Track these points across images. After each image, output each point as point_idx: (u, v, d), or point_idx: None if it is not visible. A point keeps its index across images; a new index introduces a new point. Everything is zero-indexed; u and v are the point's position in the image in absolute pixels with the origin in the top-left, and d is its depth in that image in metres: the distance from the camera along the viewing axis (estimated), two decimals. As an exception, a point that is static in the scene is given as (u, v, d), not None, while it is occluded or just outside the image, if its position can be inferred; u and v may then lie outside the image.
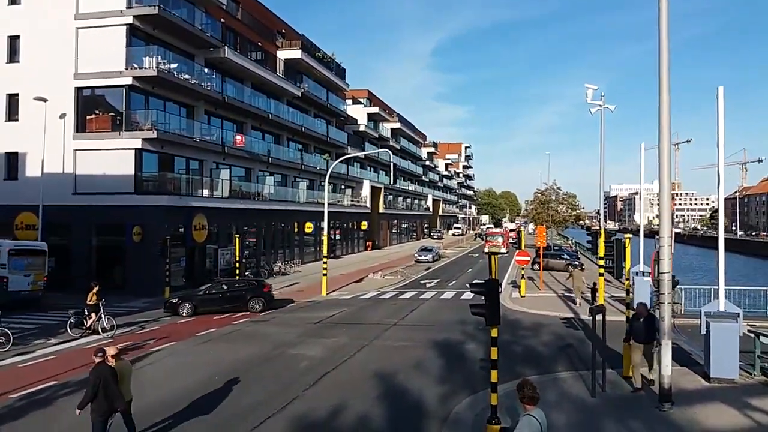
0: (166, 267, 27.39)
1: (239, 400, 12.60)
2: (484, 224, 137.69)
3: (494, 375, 9.64)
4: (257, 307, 24.82)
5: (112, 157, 29.68)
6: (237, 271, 27.83)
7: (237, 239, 28.00)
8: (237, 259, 28.06)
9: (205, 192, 34.00)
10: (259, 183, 41.50)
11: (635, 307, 13.11)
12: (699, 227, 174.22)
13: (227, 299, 24.73)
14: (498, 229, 72.05)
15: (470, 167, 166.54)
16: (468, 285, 27.78)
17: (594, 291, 25.54)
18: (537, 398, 6.76)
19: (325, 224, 32.03)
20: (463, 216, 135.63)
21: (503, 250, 56.04)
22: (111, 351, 9.67)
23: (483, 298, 9.62)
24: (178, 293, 25.76)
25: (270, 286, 26.21)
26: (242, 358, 16.40)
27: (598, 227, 50.12)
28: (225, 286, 25.30)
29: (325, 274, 30.27)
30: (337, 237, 55.31)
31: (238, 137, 37.45)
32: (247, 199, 38.36)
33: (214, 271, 33.62)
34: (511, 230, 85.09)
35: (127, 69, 29.37)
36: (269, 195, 42.08)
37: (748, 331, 14.29)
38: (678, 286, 22.85)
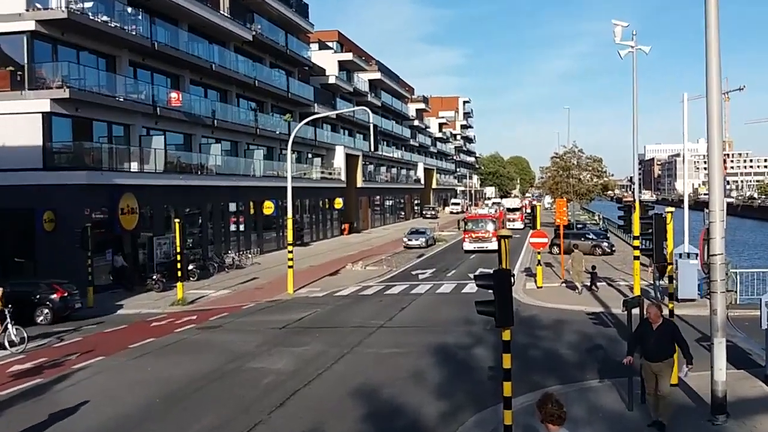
0: (88, 262, 27.15)
1: (187, 429, 12.61)
2: (488, 198, 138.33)
3: (507, 387, 9.74)
4: (42, 319, 23.95)
5: (13, 123, 29.21)
6: (178, 265, 27.72)
7: (177, 225, 27.80)
8: (178, 250, 27.92)
9: (134, 166, 33.70)
10: (203, 152, 41.22)
11: (646, 309, 12.02)
12: (756, 195, 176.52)
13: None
14: (484, 211, 55.92)
15: (470, 127, 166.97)
16: (471, 276, 27.99)
17: (594, 275, 25.93)
18: (563, 418, 6.83)
19: (289, 203, 31.94)
20: (462, 188, 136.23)
21: (491, 244, 42.80)
22: None
23: (491, 292, 9.66)
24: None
25: (66, 292, 24.85)
26: (189, 374, 16.38)
27: (631, 199, 50.65)
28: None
29: (290, 267, 30.28)
30: (306, 219, 55.24)
31: (174, 95, 37.09)
32: (188, 174, 38.11)
33: (149, 264, 33.49)
34: (511, 210, 74.55)
35: (28, 10, 28.87)
36: (216, 167, 41.83)
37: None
38: (732, 270, 23.20)
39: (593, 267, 27.77)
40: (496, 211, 55.48)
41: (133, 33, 33.78)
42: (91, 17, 30.69)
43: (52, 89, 29.15)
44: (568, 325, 20.75)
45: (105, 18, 31.70)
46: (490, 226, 45.91)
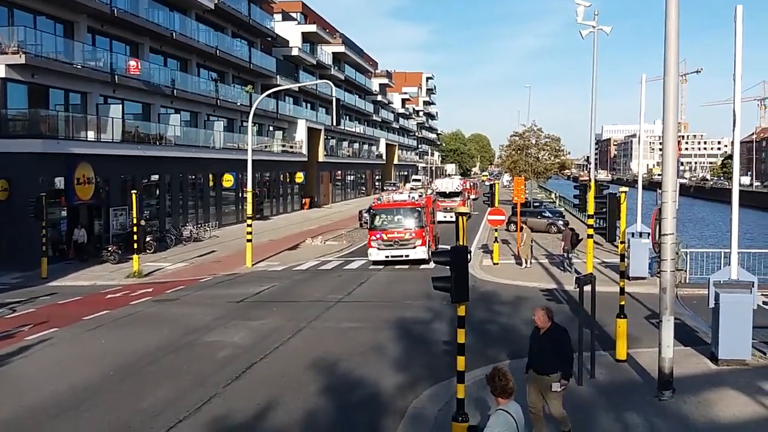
0: (43, 233, 26.69)
1: (141, 401, 12.51)
2: (449, 175, 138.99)
3: (461, 362, 9.81)
4: None
5: (-36, 88, 28.47)
6: (135, 237, 27.35)
7: (134, 196, 27.40)
8: (134, 221, 27.55)
9: (91, 135, 33.12)
10: (162, 123, 40.68)
11: (533, 312, 10.27)
12: (708, 177, 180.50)
13: None
14: (403, 196, 32.75)
15: (433, 104, 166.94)
16: (431, 252, 28.10)
17: (568, 257, 25.94)
18: (512, 390, 6.93)
19: (249, 176, 31.69)
20: (424, 165, 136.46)
21: (414, 251, 29.06)
22: None
23: (448, 269, 9.70)
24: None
25: None
26: (144, 347, 16.26)
27: (587, 178, 51.23)
28: None
29: (249, 240, 30.11)
30: (266, 192, 54.87)
31: (133, 63, 36.40)
32: (146, 144, 37.55)
33: (105, 236, 33.02)
34: (446, 195, 50.39)
35: (-20, -29, 27.99)
36: (175, 138, 41.28)
37: (763, 302, 14.99)
38: (682, 250, 23.71)
39: (570, 247, 26.87)
40: (421, 197, 33.39)
41: (92, -1, 33.02)
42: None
43: (7, 54, 28.48)
44: (524, 300, 20.99)
45: (62, -18, 30.89)
46: (412, 222, 29.51)
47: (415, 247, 28.77)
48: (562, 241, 28.10)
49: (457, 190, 51.23)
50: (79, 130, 32.48)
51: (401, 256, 28.80)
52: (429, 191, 47.75)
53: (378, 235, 29.02)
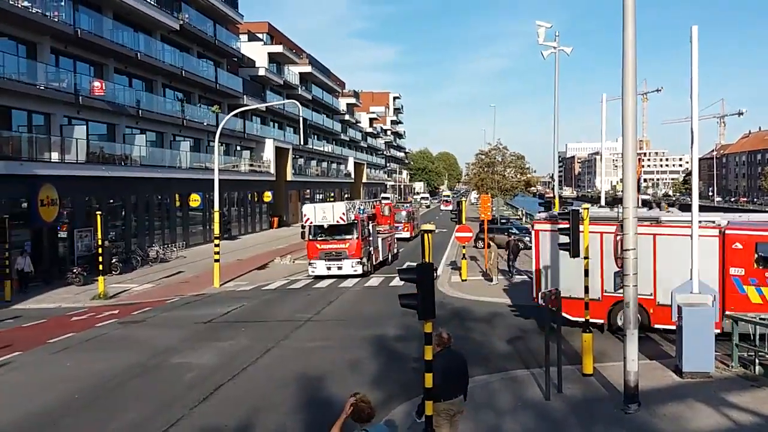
0: (6, 255, 26.22)
1: (107, 425, 12.34)
2: (417, 193, 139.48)
3: (429, 378, 9.82)
4: None
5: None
6: (100, 258, 26.98)
7: (99, 217, 27.08)
8: (99, 242, 27.21)
9: (55, 156, 32.66)
10: (127, 143, 40.27)
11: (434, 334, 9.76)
12: (670, 193, 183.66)
13: None
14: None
15: (400, 123, 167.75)
16: (398, 269, 28.13)
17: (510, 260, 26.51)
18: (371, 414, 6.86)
19: (216, 196, 31.53)
20: (392, 183, 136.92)
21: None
22: None
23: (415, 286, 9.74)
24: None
25: None
26: (110, 370, 16.03)
27: (552, 195, 51.77)
28: None
29: (217, 260, 29.90)
30: (234, 212, 54.52)
31: (97, 83, 36.08)
32: (111, 165, 37.14)
33: (70, 258, 32.54)
34: (330, 230, 31.30)
35: (-60, -9, 27.59)
36: (141, 159, 40.86)
37: (725, 315, 15.28)
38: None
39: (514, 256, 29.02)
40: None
41: (56, 19, 32.73)
42: (10, 2, 29.49)
43: (-33, 75, 28.00)
44: (493, 317, 21.12)
45: (26, 3, 30.57)
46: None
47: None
48: (506, 251, 29.12)
49: (342, 222, 30.54)
50: (42, 151, 32.01)
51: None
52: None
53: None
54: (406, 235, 49.96)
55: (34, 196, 29.64)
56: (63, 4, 33.66)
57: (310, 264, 31.29)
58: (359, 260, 30.71)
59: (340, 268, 30.56)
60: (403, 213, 52.62)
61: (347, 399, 6.85)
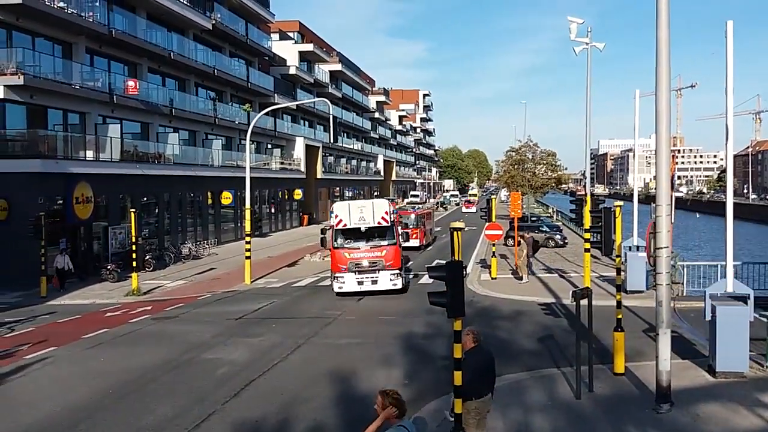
0: (42, 252, 26.65)
1: (140, 419, 12.46)
2: (447, 191, 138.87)
3: (458, 376, 9.79)
4: None
5: (-36, 109, 28.57)
6: (133, 255, 27.30)
7: (132, 214, 27.40)
8: (133, 239, 27.53)
9: (90, 154, 33.18)
10: (160, 142, 40.74)
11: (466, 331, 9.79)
12: (705, 190, 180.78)
13: None
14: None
15: (430, 120, 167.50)
16: (427, 267, 27.99)
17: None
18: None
19: (247, 193, 31.71)
20: (421, 181, 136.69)
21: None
22: None
23: (444, 284, 9.72)
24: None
25: None
26: (143, 365, 16.20)
27: (584, 193, 51.32)
28: None
29: (248, 257, 30.07)
30: (264, 210, 54.89)
31: (131, 83, 36.53)
32: (145, 163, 37.61)
33: (104, 255, 32.97)
34: (366, 235, 25.77)
35: (-20, -6, 28.14)
36: (174, 157, 41.36)
37: (760, 315, 14.98)
38: (679, 263, 23.72)
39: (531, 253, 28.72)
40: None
41: (90, 20, 33.23)
42: (47, 3, 30.03)
43: (6, 76, 28.52)
44: (522, 315, 20.98)
45: (62, 4, 31.08)
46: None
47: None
48: (524, 250, 28.65)
49: (385, 223, 25.55)
50: (77, 149, 32.53)
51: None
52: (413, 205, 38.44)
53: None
54: (415, 243, 39.92)
55: (69, 194, 30.08)
56: (98, 4, 34.17)
57: (335, 279, 24.92)
58: (398, 272, 25.02)
59: (374, 282, 24.63)
60: (412, 216, 41.67)
61: (376, 394, 6.88)
